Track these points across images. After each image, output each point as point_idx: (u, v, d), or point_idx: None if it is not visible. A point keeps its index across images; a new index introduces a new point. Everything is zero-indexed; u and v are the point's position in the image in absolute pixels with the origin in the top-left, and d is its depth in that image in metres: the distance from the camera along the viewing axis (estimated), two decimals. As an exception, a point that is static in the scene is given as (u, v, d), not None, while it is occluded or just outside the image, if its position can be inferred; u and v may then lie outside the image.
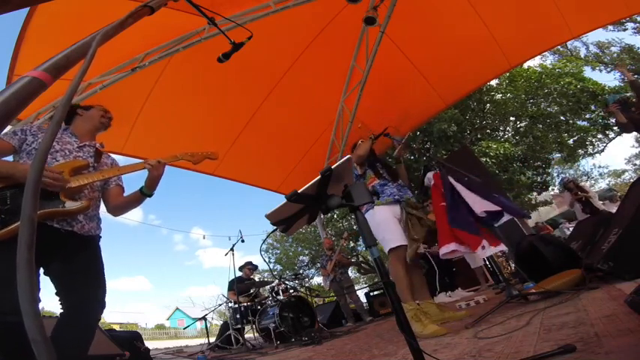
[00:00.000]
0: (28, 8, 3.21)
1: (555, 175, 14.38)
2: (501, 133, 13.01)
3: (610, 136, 14.12)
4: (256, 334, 5.00)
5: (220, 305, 6.01)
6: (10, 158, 1.47)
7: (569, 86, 12.05)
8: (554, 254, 2.69)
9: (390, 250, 2.55)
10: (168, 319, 33.88)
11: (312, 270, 16.66)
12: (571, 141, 13.56)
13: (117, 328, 7.88)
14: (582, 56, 14.73)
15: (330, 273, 6.02)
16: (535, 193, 12.76)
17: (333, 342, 3.37)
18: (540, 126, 12.50)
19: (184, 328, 24.84)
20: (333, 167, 1.18)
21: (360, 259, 15.36)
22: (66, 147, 1.57)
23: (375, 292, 6.35)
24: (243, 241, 5.39)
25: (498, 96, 12.16)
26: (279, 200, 1.21)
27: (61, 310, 1.39)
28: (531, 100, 12.61)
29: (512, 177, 10.76)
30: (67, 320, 1.38)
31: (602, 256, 2.13)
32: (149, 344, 4.12)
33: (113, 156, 1.86)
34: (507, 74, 11.02)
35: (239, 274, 5.67)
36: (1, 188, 1.31)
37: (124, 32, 0.68)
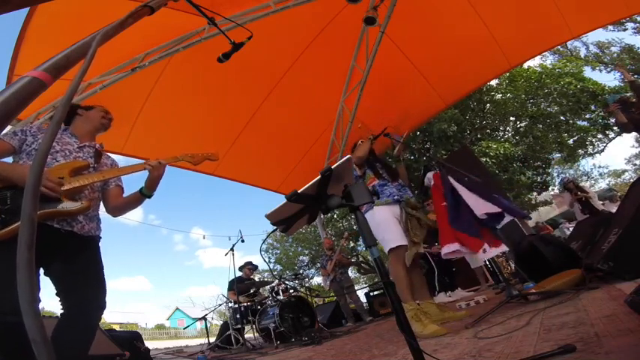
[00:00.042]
0: (28, 8, 3.21)
1: (555, 175, 14.39)
2: (501, 133, 13.01)
3: (610, 136, 14.12)
4: (256, 334, 5.00)
5: (220, 305, 6.02)
6: (9, 159, 1.47)
7: (569, 86, 12.05)
8: (554, 254, 2.69)
9: (389, 250, 2.55)
10: (168, 319, 33.90)
11: (312, 270, 16.66)
12: (571, 141, 13.57)
13: (117, 328, 7.88)
14: (582, 56, 14.74)
15: (330, 273, 6.02)
16: (535, 193, 12.76)
17: (333, 342, 3.37)
18: (540, 126, 12.50)
19: (184, 328, 24.84)
20: (333, 167, 1.18)
21: (360, 259, 15.36)
22: (66, 147, 1.57)
23: (375, 292, 6.34)
24: (243, 241, 5.40)
25: (498, 96, 12.16)
26: (279, 200, 1.21)
27: (62, 311, 1.39)
28: (531, 100, 12.61)
29: (512, 177, 10.76)
30: (67, 321, 1.38)
31: (602, 256, 2.13)
32: (149, 344, 4.12)
33: (113, 156, 1.86)
34: (507, 74, 11.02)
35: (239, 274, 5.67)
36: (2, 188, 1.31)
37: (124, 32, 0.68)
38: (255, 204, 69.01)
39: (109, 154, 1.83)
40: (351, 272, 12.06)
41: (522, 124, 12.78)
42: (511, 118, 12.63)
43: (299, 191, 1.17)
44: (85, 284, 1.42)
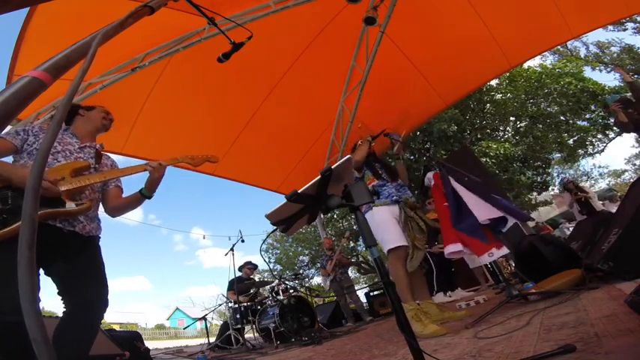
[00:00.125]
0: (28, 8, 3.21)
1: (555, 175, 14.40)
2: (501, 133, 13.02)
3: (610, 136, 14.13)
4: (256, 334, 5.00)
5: (220, 305, 6.02)
6: (9, 158, 1.47)
7: (569, 86, 12.05)
8: (554, 254, 2.69)
9: (389, 250, 2.55)
10: (168, 319, 33.89)
11: (312, 270, 16.66)
12: (571, 141, 13.57)
13: (117, 328, 7.88)
14: (582, 56, 14.73)
15: (330, 273, 6.01)
16: (535, 193, 12.76)
17: (333, 342, 3.37)
18: (540, 126, 12.50)
19: (184, 328, 24.84)
20: (333, 167, 1.18)
21: (360, 259, 15.36)
22: (67, 148, 1.57)
23: (375, 292, 6.35)
24: (243, 241, 5.40)
25: (498, 96, 12.16)
26: (279, 200, 1.21)
27: (64, 310, 1.39)
28: (531, 100, 12.61)
29: (512, 177, 10.77)
30: (69, 320, 1.38)
31: (602, 256, 2.13)
32: (149, 344, 4.12)
33: (113, 156, 1.86)
34: (507, 74, 11.03)
35: (239, 274, 5.67)
36: (3, 188, 1.31)
37: (124, 32, 0.68)
38: (255, 204, 69.06)
39: (108, 154, 1.83)
40: (351, 272, 12.06)
41: (522, 124, 12.79)
42: (511, 118, 12.64)
43: (299, 191, 1.17)
44: (86, 283, 1.42)
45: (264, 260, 16.68)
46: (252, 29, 1.89)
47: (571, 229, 6.99)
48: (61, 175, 1.42)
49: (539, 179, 12.39)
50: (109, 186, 1.68)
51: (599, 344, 1.02)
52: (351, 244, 13.89)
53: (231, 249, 5.24)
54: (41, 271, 1.39)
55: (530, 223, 8.11)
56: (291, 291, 5.14)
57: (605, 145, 14.57)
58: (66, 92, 0.48)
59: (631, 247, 1.98)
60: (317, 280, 17.51)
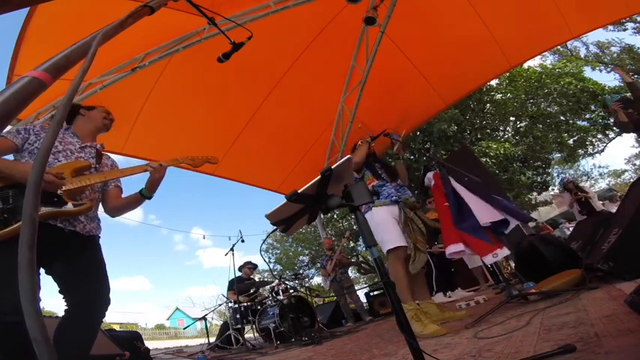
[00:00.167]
0: (28, 8, 3.21)
1: (555, 175, 14.40)
2: (501, 133, 13.01)
3: (610, 136, 14.13)
4: (256, 334, 5.00)
5: (220, 305, 6.02)
6: (10, 157, 1.47)
7: (569, 86, 12.05)
8: (554, 254, 2.69)
9: (388, 251, 2.55)
10: (168, 319, 33.89)
11: (312, 270, 16.66)
12: (571, 141, 13.57)
13: (117, 328, 7.88)
14: (582, 56, 14.73)
15: (330, 273, 6.01)
16: (535, 193, 12.76)
17: (333, 342, 3.37)
18: (540, 126, 12.50)
19: (184, 328, 24.84)
20: (333, 167, 1.18)
21: (360, 259, 15.36)
22: (68, 147, 1.57)
23: (375, 292, 6.34)
24: (243, 241, 5.40)
25: (498, 96, 12.16)
26: (279, 200, 1.21)
27: (66, 308, 1.39)
28: (531, 100, 12.61)
29: (512, 177, 10.77)
30: (69, 320, 1.38)
31: (602, 256, 2.13)
32: (149, 344, 4.12)
33: (113, 156, 1.86)
34: (507, 74, 11.03)
35: (239, 274, 5.67)
36: (4, 187, 1.31)
37: (124, 32, 0.68)
38: (255, 204, 69.04)
39: (109, 154, 1.83)
40: (351, 272, 12.07)
41: (522, 124, 12.79)
42: (511, 118, 12.64)
43: (299, 191, 1.17)
44: (86, 283, 1.42)
45: (264, 260, 16.70)
46: (252, 29, 1.89)
47: (571, 229, 7.00)
48: (61, 175, 1.42)
49: (539, 179, 12.39)
50: (109, 186, 1.69)
51: (599, 344, 1.02)
52: (351, 244, 13.88)
53: (231, 249, 5.24)
54: (42, 270, 1.39)
55: (530, 223, 8.11)
56: (291, 291, 5.13)
57: (605, 145, 14.59)
58: (66, 92, 0.48)
59: (631, 247, 1.98)
60: (317, 280, 17.53)
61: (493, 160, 10.31)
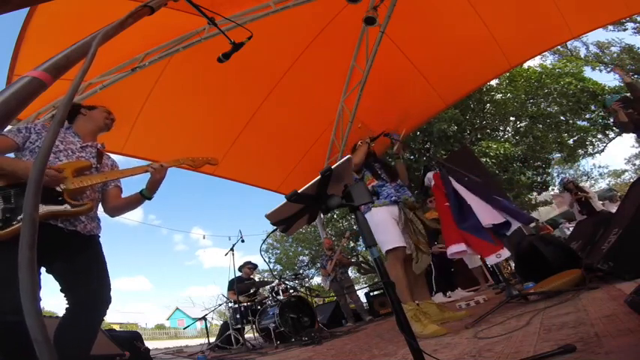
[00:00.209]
0: (28, 8, 3.21)
1: (555, 175, 14.40)
2: (501, 133, 13.01)
3: (610, 136, 14.13)
4: (256, 334, 5.00)
5: (220, 305, 6.02)
6: (11, 156, 1.47)
7: (569, 86, 12.05)
8: (554, 254, 2.69)
9: (387, 251, 2.55)
10: (168, 319, 33.89)
11: (312, 270, 16.66)
12: (571, 141, 13.57)
13: (117, 328, 7.89)
14: (582, 56, 14.73)
15: (330, 273, 6.02)
16: (535, 193, 12.76)
17: (333, 342, 3.37)
18: (540, 126, 12.50)
19: (184, 328, 24.84)
20: (333, 167, 1.18)
21: (360, 259, 15.36)
22: (69, 147, 1.57)
23: (375, 292, 6.34)
24: (243, 241, 5.40)
25: (498, 96, 12.16)
26: (279, 200, 1.21)
27: (67, 306, 1.40)
28: (531, 100, 12.61)
29: (512, 177, 10.77)
30: (70, 319, 1.38)
31: (602, 256, 2.13)
32: (149, 344, 4.12)
33: (113, 156, 1.86)
34: (507, 74, 11.02)
35: (239, 274, 5.67)
36: (6, 187, 1.31)
37: (124, 32, 0.68)
38: (255, 204, 69.06)
39: (109, 154, 1.83)
40: (351, 272, 12.07)
41: (522, 124, 12.79)
42: (511, 118, 12.64)
43: (299, 191, 1.17)
44: (87, 283, 1.42)
45: (264, 260, 16.73)
46: (252, 29, 1.89)
47: (571, 229, 6.99)
48: (62, 175, 1.42)
49: (539, 179, 12.38)
50: (109, 186, 1.69)
51: (599, 344, 1.02)
52: (351, 244, 13.88)
53: (231, 249, 5.24)
54: (42, 270, 1.39)
55: (531, 223, 8.11)
56: (291, 291, 5.14)
57: (605, 145, 14.59)
58: (66, 92, 0.48)
59: (631, 247, 1.98)
60: (317, 280, 17.53)
61: (493, 160, 10.31)
